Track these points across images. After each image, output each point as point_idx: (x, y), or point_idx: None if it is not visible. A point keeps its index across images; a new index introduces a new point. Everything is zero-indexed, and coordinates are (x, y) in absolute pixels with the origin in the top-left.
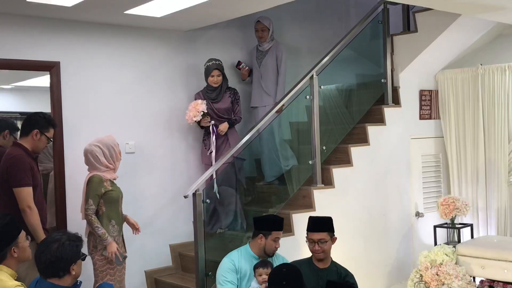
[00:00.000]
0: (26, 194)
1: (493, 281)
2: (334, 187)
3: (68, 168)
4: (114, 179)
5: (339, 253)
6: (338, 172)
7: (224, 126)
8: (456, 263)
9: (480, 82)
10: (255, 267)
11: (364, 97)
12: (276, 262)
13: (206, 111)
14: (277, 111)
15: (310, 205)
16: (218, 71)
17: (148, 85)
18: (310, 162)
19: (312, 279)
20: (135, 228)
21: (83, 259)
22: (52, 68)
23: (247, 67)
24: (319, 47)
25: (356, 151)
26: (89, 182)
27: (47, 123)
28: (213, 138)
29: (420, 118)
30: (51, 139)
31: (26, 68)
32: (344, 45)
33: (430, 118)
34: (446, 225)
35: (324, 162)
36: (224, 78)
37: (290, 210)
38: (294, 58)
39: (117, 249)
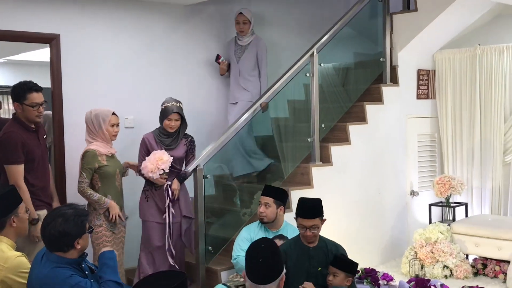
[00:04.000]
0: (14, 172)
1: (487, 259)
2: (332, 164)
3: (67, 142)
4: (112, 154)
5: (336, 230)
6: (336, 150)
7: (176, 185)
8: (450, 241)
9: (478, 62)
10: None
11: (363, 76)
12: (287, 231)
13: (167, 170)
14: (262, 107)
15: (308, 182)
16: (177, 115)
17: (148, 59)
18: (308, 139)
19: (304, 258)
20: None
21: (90, 232)
22: (52, 40)
23: (226, 61)
24: (319, 25)
25: (354, 130)
26: (83, 156)
27: (21, 91)
28: (168, 201)
29: (417, 98)
30: (41, 103)
31: (24, 40)
32: (344, 23)
33: (427, 98)
34: (441, 204)
35: (323, 140)
36: (183, 123)
37: (289, 187)
38: (294, 35)
39: (120, 210)
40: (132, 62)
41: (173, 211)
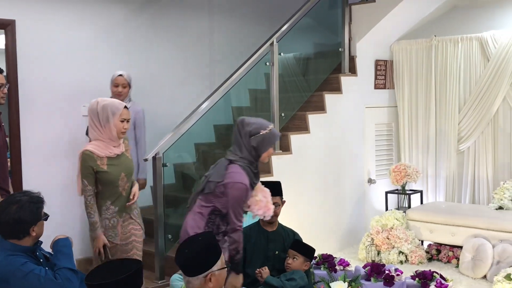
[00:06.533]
0: None
1: (441, 244)
2: (291, 153)
3: (24, 130)
4: (117, 154)
5: (295, 217)
6: (295, 139)
7: None
8: (406, 228)
9: (434, 53)
10: None
11: (322, 65)
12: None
13: None
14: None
15: (268, 170)
16: None
17: (106, 45)
18: None
19: (263, 242)
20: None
21: (45, 219)
22: (7, 26)
23: None
24: (279, 14)
25: (313, 119)
26: (79, 159)
27: None
28: None
29: (375, 88)
30: (4, 84)
31: None
32: (303, 13)
33: (384, 88)
34: (397, 191)
35: (282, 128)
36: None
37: None
38: (254, 25)
39: (105, 244)
40: (90, 48)
41: None
